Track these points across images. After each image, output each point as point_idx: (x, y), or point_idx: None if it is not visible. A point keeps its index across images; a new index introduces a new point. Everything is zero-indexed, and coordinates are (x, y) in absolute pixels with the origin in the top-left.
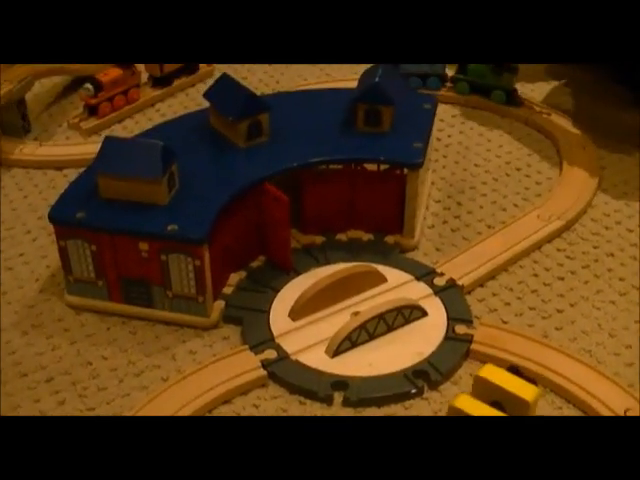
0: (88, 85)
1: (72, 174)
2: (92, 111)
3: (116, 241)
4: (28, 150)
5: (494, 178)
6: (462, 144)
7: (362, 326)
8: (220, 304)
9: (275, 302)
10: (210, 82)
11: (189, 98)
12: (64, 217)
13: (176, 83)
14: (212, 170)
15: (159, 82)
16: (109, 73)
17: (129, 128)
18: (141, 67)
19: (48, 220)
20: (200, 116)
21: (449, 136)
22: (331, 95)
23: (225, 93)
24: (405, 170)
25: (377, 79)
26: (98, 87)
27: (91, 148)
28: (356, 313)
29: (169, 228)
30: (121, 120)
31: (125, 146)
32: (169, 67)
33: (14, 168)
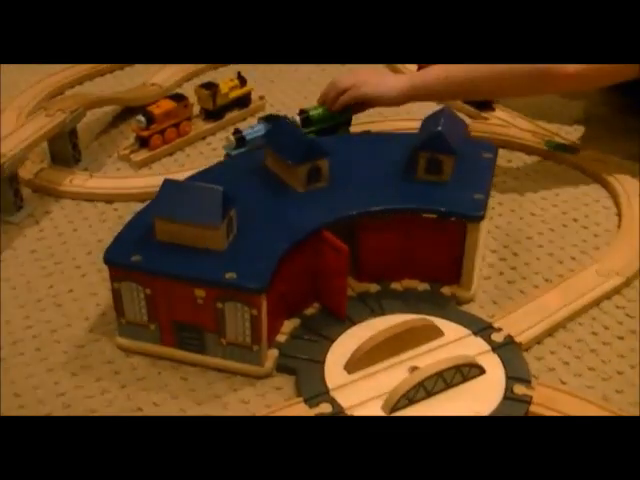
0: (140, 117)
1: (122, 208)
2: (143, 143)
3: (171, 286)
4: (78, 181)
5: (551, 229)
6: (517, 191)
7: (420, 383)
8: (274, 353)
9: (330, 353)
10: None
11: None
12: (119, 259)
13: (227, 117)
14: (270, 215)
15: (211, 115)
16: (161, 105)
17: (180, 161)
18: (193, 100)
19: (103, 262)
20: (256, 156)
21: (504, 182)
22: (390, 140)
23: (284, 136)
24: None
25: (440, 127)
26: (150, 119)
27: (142, 182)
28: (413, 368)
29: (227, 276)
30: (172, 153)
31: (184, 190)
32: (221, 100)
33: (63, 199)
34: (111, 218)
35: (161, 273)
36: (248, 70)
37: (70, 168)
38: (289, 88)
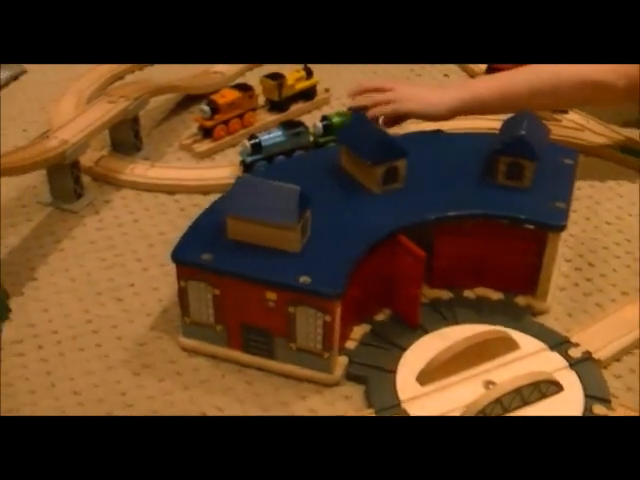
0: (204, 107)
1: (184, 200)
2: (206, 133)
3: (242, 287)
4: (139, 171)
5: (627, 239)
6: (592, 198)
7: (498, 400)
8: (343, 360)
9: (401, 362)
10: (327, 109)
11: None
12: (189, 257)
13: (292, 109)
14: (345, 216)
15: (276, 107)
16: (226, 95)
17: None
18: (259, 91)
19: (171, 259)
20: (329, 154)
21: (578, 189)
22: (467, 140)
23: (360, 134)
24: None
25: (523, 131)
26: (214, 109)
27: (204, 174)
28: (488, 382)
29: (301, 280)
30: (235, 144)
31: (259, 187)
32: (287, 91)
33: (124, 189)
34: (172, 210)
35: (232, 273)
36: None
37: (131, 156)
38: (355, 79)
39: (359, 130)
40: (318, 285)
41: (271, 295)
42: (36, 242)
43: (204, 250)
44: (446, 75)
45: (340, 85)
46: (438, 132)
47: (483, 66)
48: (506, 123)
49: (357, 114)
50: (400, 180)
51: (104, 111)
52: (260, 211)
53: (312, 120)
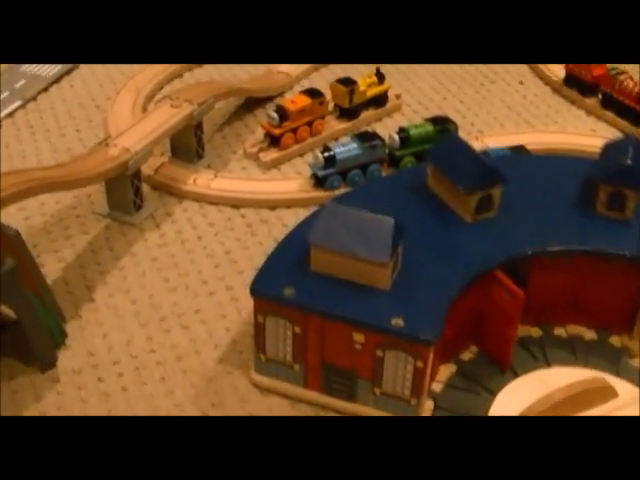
0: (272, 113)
1: (251, 215)
2: (273, 141)
3: (326, 326)
4: (202, 181)
5: None
6: None
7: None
8: (429, 405)
9: (492, 409)
10: (398, 117)
11: None
12: (269, 292)
13: (362, 116)
14: (436, 248)
15: (346, 114)
16: (296, 101)
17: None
18: (328, 96)
19: (250, 293)
20: (415, 174)
21: None
22: (561, 164)
23: (454, 157)
24: None
25: (629, 161)
26: (283, 116)
27: (272, 187)
28: None
29: (393, 322)
30: (302, 154)
31: (348, 217)
32: (358, 98)
33: (186, 200)
34: (238, 226)
35: (316, 311)
36: (383, 66)
37: (193, 164)
38: (427, 86)
39: (452, 151)
40: (412, 329)
41: (359, 337)
42: (93, 258)
43: (285, 284)
44: (521, 82)
45: (412, 90)
46: (521, 149)
47: (559, 73)
48: (608, 147)
49: (449, 134)
50: (494, 209)
51: (167, 116)
52: (349, 243)
53: (383, 128)
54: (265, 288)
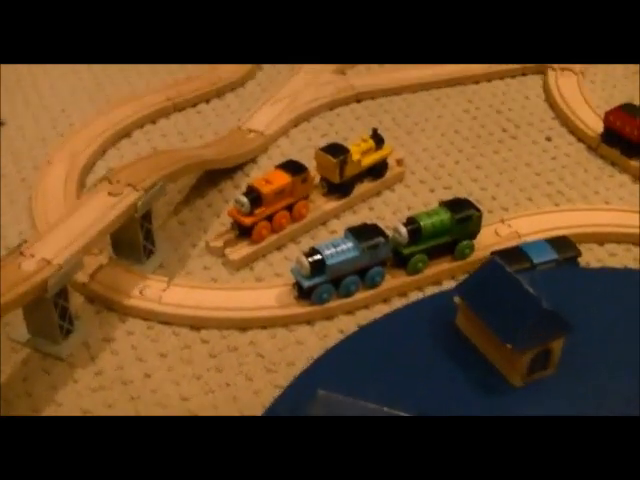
0: (243, 198)
1: (214, 339)
2: (243, 232)
3: None
4: (152, 292)
5: None
6: None
7: None
8: None
9: None
10: (401, 190)
11: (374, 214)
12: None
13: (356, 191)
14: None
15: (336, 190)
16: (272, 180)
17: (291, 258)
18: (312, 167)
19: None
20: (438, 304)
21: None
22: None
23: (496, 294)
24: None
25: None
26: (256, 200)
27: (243, 298)
28: None
29: None
30: (281, 246)
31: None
32: (352, 170)
33: (131, 318)
34: (199, 357)
35: None
36: (380, 120)
37: (140, 264)
38: (434, 145)
39: (495, 288)
40: None
41: None
42: (5, 408)
43: None
44: (548, 139)
45: (417, 152)
46: (564, 242)
47: (595, 126)
48: None
49: (494, 262)
50: (552, 365)
51: (104, 209)
52: None
53: (383, 206)
54: None
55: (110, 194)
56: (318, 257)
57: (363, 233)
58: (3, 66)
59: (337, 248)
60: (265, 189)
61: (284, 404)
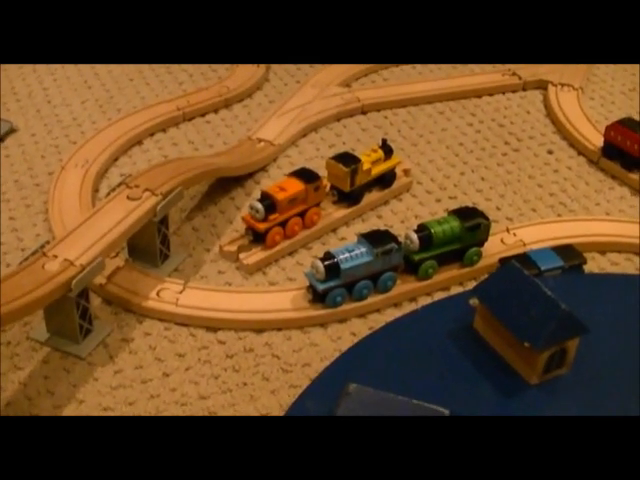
0: (258, 204)
1: (231, 340)
2: (257, 237)
3: None
4: (168, 295)
5: None
6: None
7: None
8: None
9: None
10: (408, 199)
11: (382, 222)
12: None
13: (365, 200)
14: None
15: (346, 198)
16: (286, 187)
17: (305, 263)
18: (324, 175)
19: None
20: (455, 304)
21: None
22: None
23: (514, 296)
24: None
25: None
26: (270, 207)
27: (257, 301)
28: None
29: None
30: (292, 252)
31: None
32: (362, 178)
33: (149, 319)
34: (216, 357)
35: None
36: (386, 131)
37: (156, 268)
38: (439, 157)
39: (512, 288)
40: None
41: None
42: (27, 407)
43: None
44: (550, 152)
45: (423, 164)
46: (569, 250)
47: (595, 140)
48: None
49: (510, 264)
50: (567, 364)
51: (124, 213)
52: None
53: (391, 215)
54: None
55: (129, 198)
56: (333, 261)
57: (376, 239)
58: (15, 80)
59: (351, 253)
60: (279, 196)
61: (311, 399)
